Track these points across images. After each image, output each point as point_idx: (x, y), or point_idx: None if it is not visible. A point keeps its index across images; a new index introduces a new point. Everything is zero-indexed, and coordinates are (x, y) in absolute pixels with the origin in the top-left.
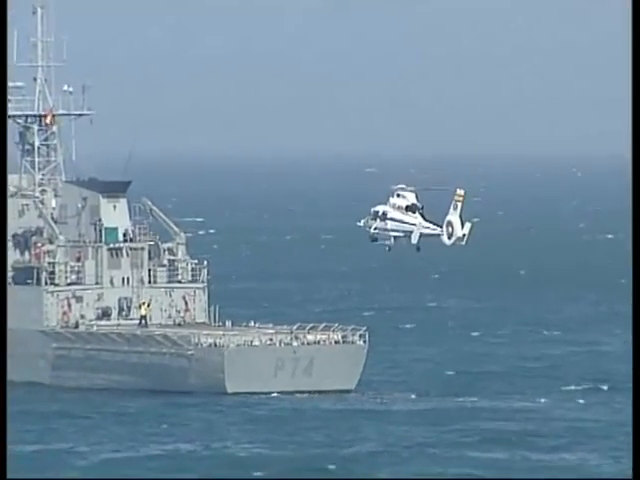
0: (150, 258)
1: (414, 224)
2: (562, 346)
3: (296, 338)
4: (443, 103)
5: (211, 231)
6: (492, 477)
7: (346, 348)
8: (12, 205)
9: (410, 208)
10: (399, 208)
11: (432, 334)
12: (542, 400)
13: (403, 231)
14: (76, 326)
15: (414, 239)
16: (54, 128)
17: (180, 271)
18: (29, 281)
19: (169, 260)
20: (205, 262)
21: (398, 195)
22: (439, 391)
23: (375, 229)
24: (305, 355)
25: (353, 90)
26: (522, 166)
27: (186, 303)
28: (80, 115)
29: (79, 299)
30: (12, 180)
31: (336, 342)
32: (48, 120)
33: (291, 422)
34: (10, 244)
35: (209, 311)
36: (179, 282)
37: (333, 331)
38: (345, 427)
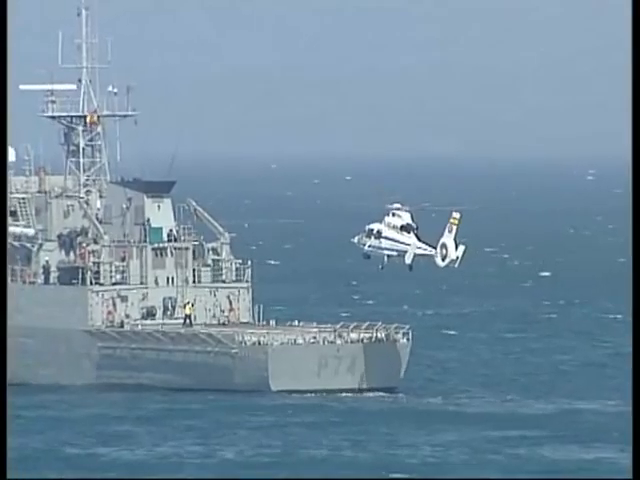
0: (194, 258)
1: (408, 244)
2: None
3: (339, 336)
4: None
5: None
6: (494, 477)
7: (389, 346)
8: (57, 206)
9: (405, 228)
10: (394, 227)
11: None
12: None
13: (397, 250)
14: (121, 325)
15: (408, 259)
16: (99, 129)
17: (224, 271)
18: (74, 281)
19: (213, 260)
20: (249, 262)
21: (393, 214)
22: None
23: (369, 247)
24: (348, 353)
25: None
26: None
27: (230, 303)
28: (124, 116)
29: (124, 299)
30: (57, 181)
31: (379, 340)
32: (91, 120)
33: None
34: (55, 244)
35: (253, 310)
36: (223, 282)
37: (376, 329)
38: None
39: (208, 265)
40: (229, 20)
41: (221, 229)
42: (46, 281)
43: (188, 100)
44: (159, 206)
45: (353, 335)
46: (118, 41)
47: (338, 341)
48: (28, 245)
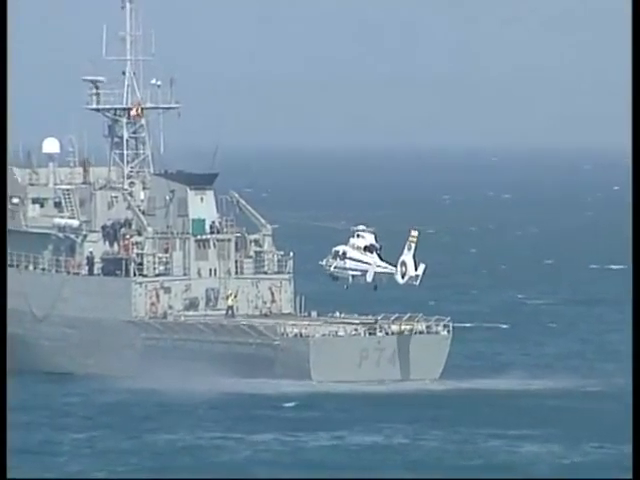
0: (237, 249)
1: (370, 263)
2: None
3: (380, 328)
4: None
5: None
6: (496, 477)
7: (430, 338)
8: (101, 197)
9: (368, 248)
10: (358, 248)
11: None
12: None
13: (360, 270)
14: (164, 316)
15: (369, 277)
16: (142, 121)
17: (266, 262)
18: (118, 272)
19: (255, 251)
20: (291, 253)
21: (358, 235)
22: None
23: (335, 268)
24: (389, 345)
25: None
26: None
27: (272, 294)
28: (168, 108)
29: (167, 290)
30: (101, 173)
31: (420, 332)
32: (135, 112)
33: None
34: (99, 235)
35: (295, 302)
36: (265, 273)
37: (417, 321)
38: None
39: (250, 257)
40: (274, 14)
41: (263, 221)
42: (90, 272)
43: (230, 93)
44: (202, 198)
45: (394, 327)
46: (162, 34)
47: (379, 333)
48: (72, 236)
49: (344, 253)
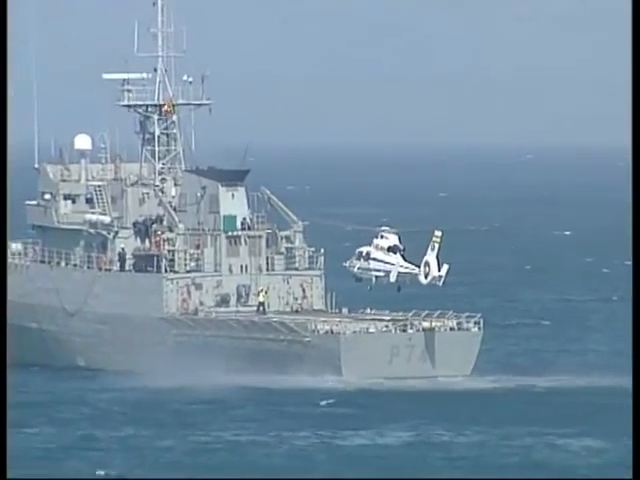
0: (268, 246)
1: (393, 264)
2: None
3: (411, 325)
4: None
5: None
6: (497, 477)
7: (461, 335)
8: (133, 194)
9: (391, 249)
10: (381, 249)
11: None
12: None
13: (384, 271)
14: (195, 313)
15: (392, 277)
16: (174, 117)
17: (297, 259)
18: (149, 268)
19: (287, 248)
20: (322, 250)
21: (382, 237)
22: None
23: (358, 269)
24: (420, 342)
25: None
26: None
27: (303, 290)
28: (199, 105)
29: (198, 286)
30: (133, 169)
31: (451, 329)
32: (166, 109)
33: None
34: (131, 232)
35: (326, 298)
36: (296, 269)
37: (448, 318)
38: None
39: (281, 253)
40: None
41: (294, 217)
42: (121, 268)
43: (262, 90)
44: (233, 194)
45: (425, 323)
46: (193, 30)
47: (410, 330)
48: (104, 232)
49: (368, 254)
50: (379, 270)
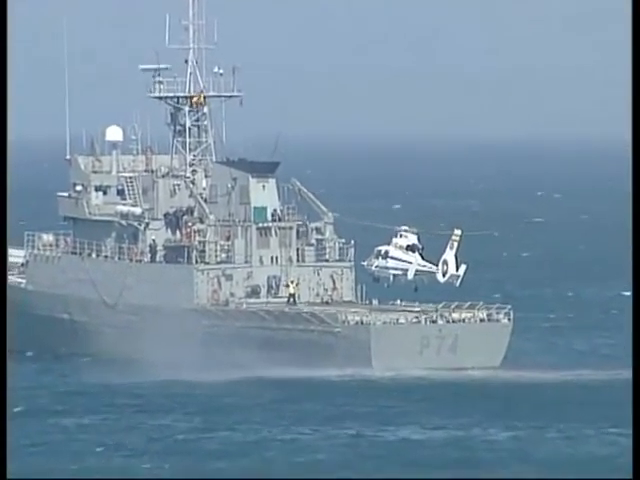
0: (298, 237)
1: (411, 262)
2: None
3: (441, 316)
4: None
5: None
6: (498, 477)
7: (491, 326)
8: (164, 185)
9: (410, 248)
10: (400, 247)
11: None
12: None
13: (402, 269)
14: (226, 304)
15: (410, 275)
16: (205, 109)
17: (328, 250)
18: (180, 260)
19: (317, 239)
20: (352, 241)
21: (401, 236)
22: None
23: (376, 267)
24: (450, 333)
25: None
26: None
27: (334, 282)
28: (230, 97)
29: (229, 277)
30: (164, 160)
31: (481, 320)
32: (197, 100)
33: None
34: (162, 223)
35: (356, 289)
36: (327, 261)
37: (478, 309)
38: None
39: (312, 244)
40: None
41: (324, 209)
42: (152, 259)
43: (292, 82)
44: (264, 186)
45: (455, 315)
46: (224, 22)
47: (440, 321)
48: (135, 224)
49: (386, 252)
50: (397, 268)
